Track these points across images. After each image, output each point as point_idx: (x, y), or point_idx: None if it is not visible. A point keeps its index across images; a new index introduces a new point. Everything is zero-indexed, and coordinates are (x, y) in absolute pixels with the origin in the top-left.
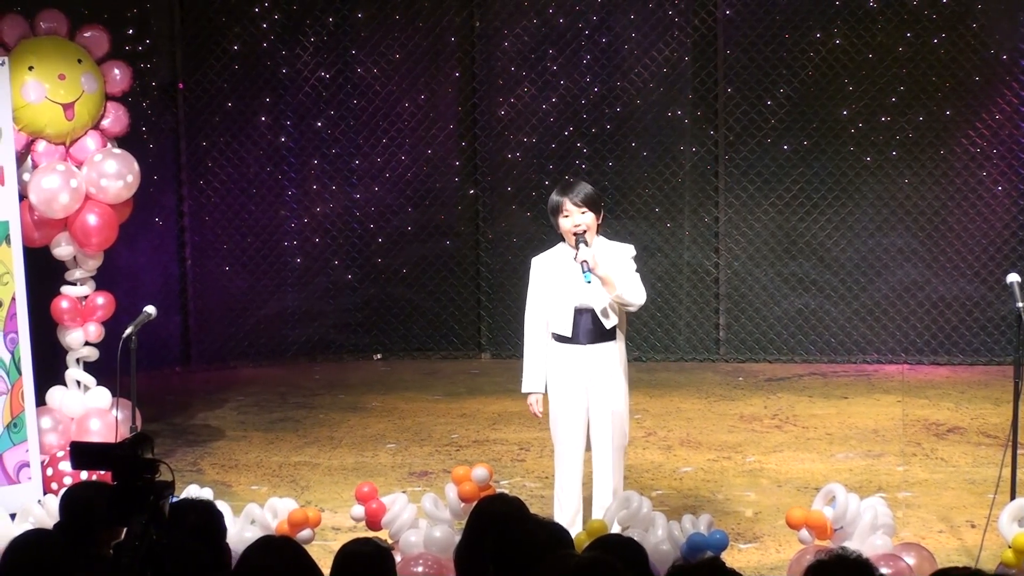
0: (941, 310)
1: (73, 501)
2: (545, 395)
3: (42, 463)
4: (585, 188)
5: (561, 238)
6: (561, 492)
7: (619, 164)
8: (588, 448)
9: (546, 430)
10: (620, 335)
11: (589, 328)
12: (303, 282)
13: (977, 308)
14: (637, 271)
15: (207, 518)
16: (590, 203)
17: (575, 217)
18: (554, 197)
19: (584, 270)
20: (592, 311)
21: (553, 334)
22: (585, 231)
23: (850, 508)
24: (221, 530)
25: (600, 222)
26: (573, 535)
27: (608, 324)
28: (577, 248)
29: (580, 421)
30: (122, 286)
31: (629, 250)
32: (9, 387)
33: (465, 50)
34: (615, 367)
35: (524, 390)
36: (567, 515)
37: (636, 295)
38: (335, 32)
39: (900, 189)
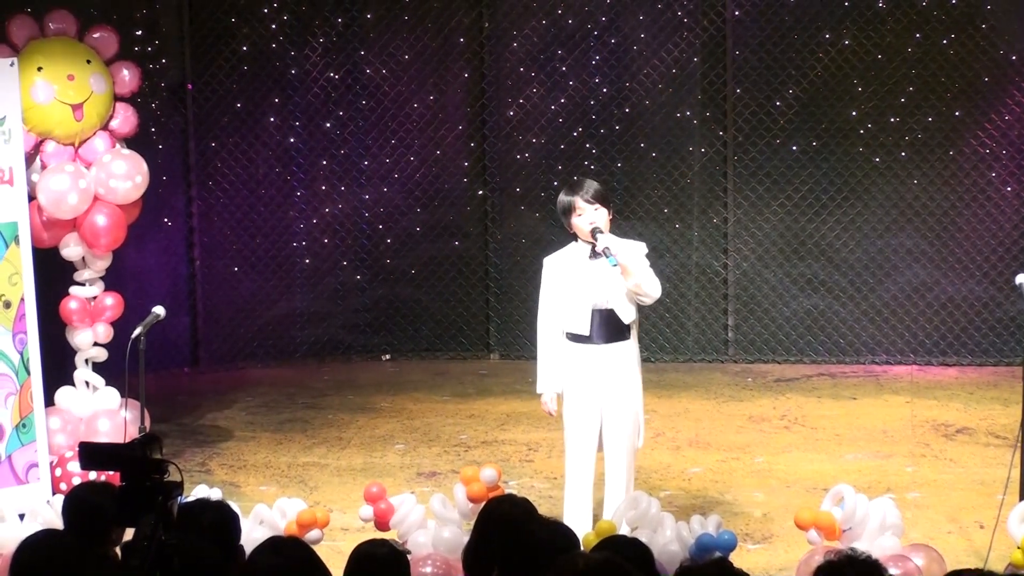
0: (950, 311)
1: (76, 502)
2: (559, 394)
3: (51, 463)
4: (594, 185)
5: (572, 238)
6: (572, 493)
7: (628, 165)
8: (599, 449)
9: (555, 431)
10: (634, 335)
11: (605, 327)
12: (312, 283)
13: (986, 309)
14: (651, 267)
15: (222, 518)
16: (601, 199)
17: (589, 214)
18: (564, 198)
19: (609, 254)
20: (609, 310)
21: (568, 334)
22: (601, 226)
23: (859, 509)
24: (236, 531)
25: (611, 218)
26: (582, 535)
27: (627, 319)
28: (595, 239)
29: (594, 421)
30: (131, 287)
31: (642, 247)
32: (18, 387)
33: (474, 51)
34: (630, 366)
35: (539, 390)
36: (578, 516)
37: (654, 286)
38: (344, 33)
39: (909, 190)
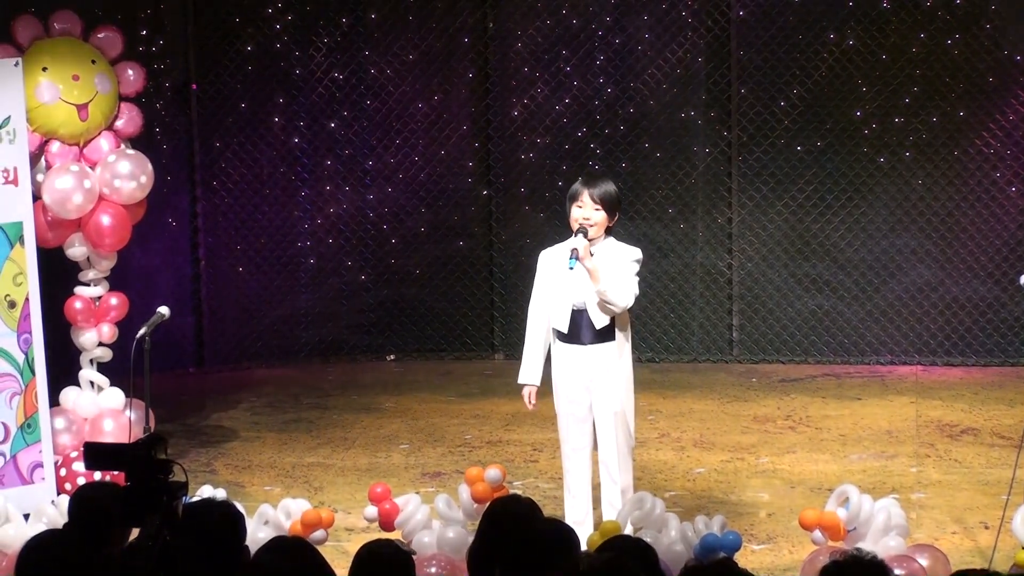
0: (955, 311)
1: (82, 502)
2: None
3: (56, 464)
4: (607, 186)
5: (571, 232)
6: (570, 493)
7: (632, 165)
8: (595, 448)
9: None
10: (623, 335)
11: (589, 328)
12: (316, 283)
13: (991, 309)
14: (638, 275)
15: (227, 518)
16: (607, 202)
17: (587, 211)
18: (576, 185)
19: (572, 256)
20: (586, 310)
21: (554, 330)
22: (592, 226)
23: (863, 509)
24: (240, 531)
25: (613, 224)
26: (584, 536)
27: (598, 324)
28: (575, 237)
29: (585, 421)
30: (135, 287)
31: (634, 253)
32: (23, 387)
33: (479, 51)
34: (617, 367)
35: (520, 381)
36: (577, 516)
37: (619, 295)
38: (349, 33)
39: (914, 190)
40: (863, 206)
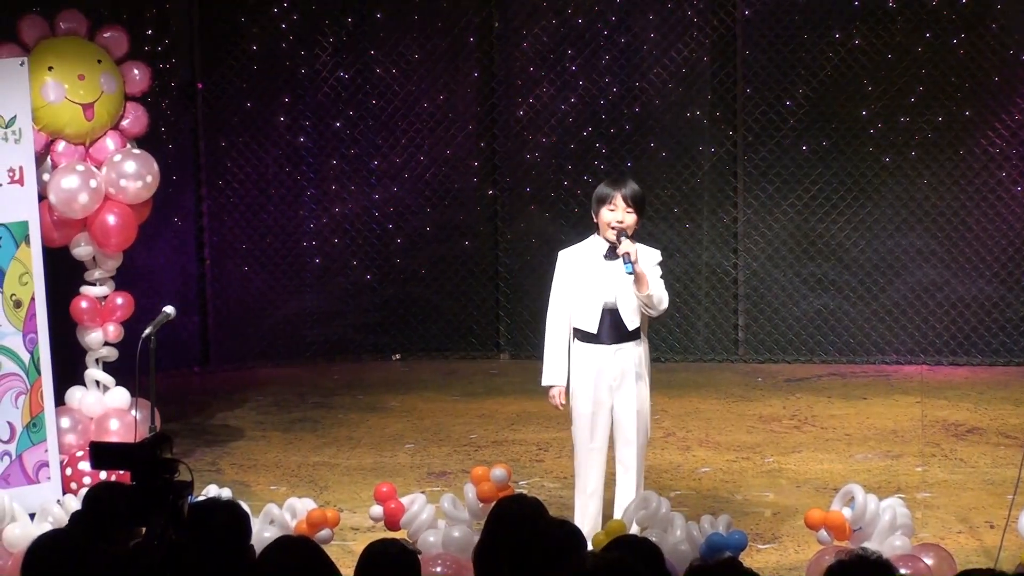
0: (960, 311)
1: (95, 501)
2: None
3: (61, 463)
4: (636, 188)
5: (591, 232)
6: (584, 493)
7: (638, 165)
8: (609, 448)
9: (565, 430)
10: (644, 336)
11: (615, 328)
12: (322, 282)
13: (996, 309)
14: (662, 277)
15: (232, 518)
16: (638, 204)
17: (620, 213)
18: (604, 187)
19: (626, 261)
20: (618, 311)
21: (577, 330)
22: (625, 228)
23: (869, 509)
24: (246, 530)
25: (638, 227)
26: (594, 535)
27: (631, 325)
28: (618, 241)
29: (604, 422)
30: (141, 286)
31: (656, 255)
32: (29, 387)
33: (484, 50)
34: (640, 367)
35: (545, 382)
36: (589, 516)
37: (663, 301)
38: (354, 32)
39: (919, 190)
40: (868, 206)
